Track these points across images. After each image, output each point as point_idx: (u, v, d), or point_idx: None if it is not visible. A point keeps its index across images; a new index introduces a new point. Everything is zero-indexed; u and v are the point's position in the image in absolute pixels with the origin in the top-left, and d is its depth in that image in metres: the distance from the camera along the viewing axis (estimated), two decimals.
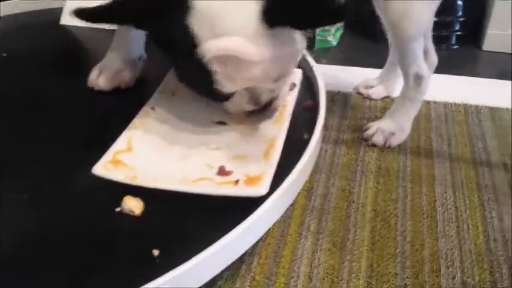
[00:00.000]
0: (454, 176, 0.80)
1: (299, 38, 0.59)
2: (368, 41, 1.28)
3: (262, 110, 0.63)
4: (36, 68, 0.83)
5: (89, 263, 0.48)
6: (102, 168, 0.55)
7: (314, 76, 0.78)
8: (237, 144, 0.61)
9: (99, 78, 0.75)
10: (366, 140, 0.88)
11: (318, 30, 1.31)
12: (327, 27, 1.29)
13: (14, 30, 0.92)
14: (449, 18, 1.58)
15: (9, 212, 0.54)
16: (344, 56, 1.27)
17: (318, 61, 1.19)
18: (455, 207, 0.74)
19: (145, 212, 0.53)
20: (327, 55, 1.27)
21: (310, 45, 1.30)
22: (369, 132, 0.88)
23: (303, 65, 0.79)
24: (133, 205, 0.53)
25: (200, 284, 0.48)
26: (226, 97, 0.60)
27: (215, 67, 0.55)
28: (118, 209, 0.53)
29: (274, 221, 0.55)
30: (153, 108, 0.67)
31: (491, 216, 0.72)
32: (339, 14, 0.53)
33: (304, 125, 0.67)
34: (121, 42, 0.77)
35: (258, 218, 0.51)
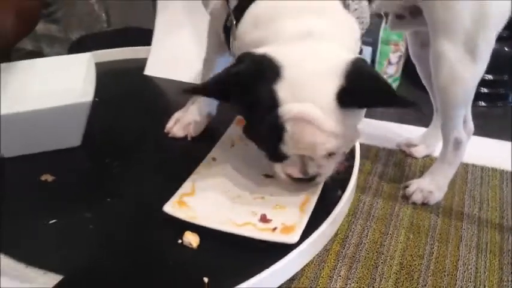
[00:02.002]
0: (479, 239, 0.86)
1: (360, 120, 0.66)
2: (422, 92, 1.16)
3: (307, 181, 0.70)
4: (122, 113, 0.98)
5: (154, 284, 0.61)
6: (170, 207, 0.69)
7: None
8: (278, 195, 0.73)
9: (174, 127, 0.91)
10: (406, 197, 0.94)
11: None
12: None
13: (106, 77, 1.02)
14: (506, 77, 1.60)
15: (93, 241, 0.68)
16: (395, 111, 1.32)
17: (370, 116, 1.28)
18: (476, 267, 0.80)
19: (200, 246, 0.66)
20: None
21: None
22: (409, 190, 0.95)
23: None
24: (191, 239, 0.66)
25: None
26: (282, 158, 0.67)
27: (287, 127, 0.62)
28: (179, 241, 0.66)
29: (304, 263, 0.66)
30: (214, 159, 0.81)
31: (508, 280, 0.77)
32: (404, 102, 0.61)
33: (339, 182, 0.77)
34: (199, 100, 0.91)
35: (289, 261, 0.62)
